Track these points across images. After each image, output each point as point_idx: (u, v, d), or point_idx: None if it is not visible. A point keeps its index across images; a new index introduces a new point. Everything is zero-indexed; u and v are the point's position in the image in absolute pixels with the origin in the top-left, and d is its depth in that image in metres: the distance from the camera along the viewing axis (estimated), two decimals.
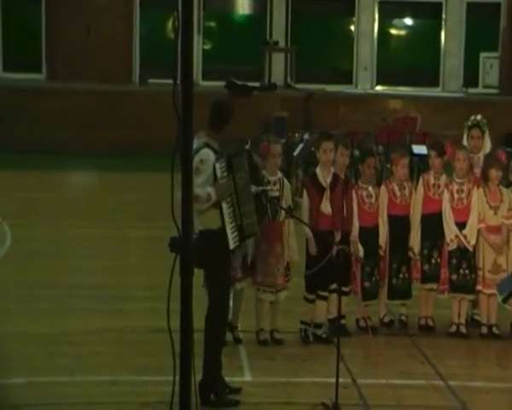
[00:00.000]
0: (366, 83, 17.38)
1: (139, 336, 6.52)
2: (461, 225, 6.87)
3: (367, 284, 6.88)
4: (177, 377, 3.27)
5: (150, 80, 15.89)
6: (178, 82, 3.37)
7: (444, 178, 7.04)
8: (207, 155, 5.41)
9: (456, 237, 6.85)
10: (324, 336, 6.64)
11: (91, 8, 16.28)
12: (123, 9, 16.55)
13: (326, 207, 6.59)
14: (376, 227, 6.93)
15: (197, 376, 4.99)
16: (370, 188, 6.97)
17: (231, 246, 5.51)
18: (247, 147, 5.82)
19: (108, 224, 10.12)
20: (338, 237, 6.55)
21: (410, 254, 6.94)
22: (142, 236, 9.69)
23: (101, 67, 15.81)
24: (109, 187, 12.41)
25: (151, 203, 9.77)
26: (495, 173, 6.88)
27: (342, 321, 6.47)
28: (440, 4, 17.51)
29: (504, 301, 5.36)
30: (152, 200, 9.28)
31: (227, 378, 5.62)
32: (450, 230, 6.87)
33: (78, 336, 6.52)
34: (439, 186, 7.02)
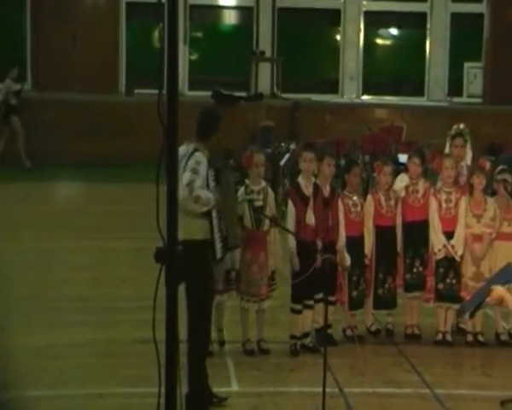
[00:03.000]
0: (352, 92, 17.45)
1: (126, 348, 6.49)
2: (448, 235, 6.91)
3: (354, 294, 6.89)
4: (163, 389, 3.27)
5: (136, 91, 15.88)
6: (164, 92, 3.38)
7: (422, 183, 7.08)
8: (201, 157, 5.47)
9: (444, 246, 6.88)
10: (311, 345, 6.65)
11: (77, 18, 16.27)
12: (109, 19, 16.54)
13: (310, 217, 6.61)
14: (362, 236, 6.95)
15: (184, 387, 5.01)
16: (356, 197, 7.00)
17: (218, 256, 5.54)
18: (231, 161, 5.86)
19: (94, 235, 10.08)
20: (319, 246, 6.56)
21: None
22: (128, 247, 9.67)
23: (87, 77, 15.78)
24: (95, 198, 12.37)
25: (137, 214, 9.75)
26: (478, 180, 6.94)
27: (329, 331, 6.49)
28: (425, 14, 17.62)
29: (471, 315, 5.44)
30: (138, 211, 9.27)
31: (214, 389, 5.61)
32: (438, 239, 6.90)
33: (65, 348, 6.48)
34: (417, 192, 7.06)
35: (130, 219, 10.64)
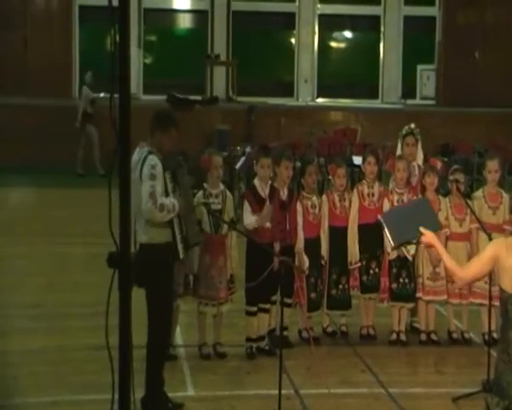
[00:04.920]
0: (307, 95, 17.55)
1: (79, 355, 6.42)
2: None
3: (312, 296, 6.93)
4: (117, 395, 3.24)
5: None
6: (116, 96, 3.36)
7: (377, 186, 7.16)
8: (155, 160, 5.40)
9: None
10: (267, 348, 6.67)
11: (29, 23, 16.08)
12: (62, 23, 16.38)
13: None
14: (319, 238, 7.00)
15: (138, 392, 4.97)
16: (314, 198, 7.04)
17: (181, 256, 5.54)
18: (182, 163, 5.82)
19: (47, 241, 9.96)
20: (277, 248, 6.59)
21: (350, 266, 7.02)
22: (81, 252, 9.58)
23: (40, 81, 15.60)
24: (48, 203, 12.22)
25: (90, 219, 9.67)
26: (429, 180, 7.04)
27: (285, 333, 6.51)
28: (378, 17, 17.81)
29: (394, 248, 5.44)
30: (91, 215, 9.19)
31: (169, 394, 5.58)
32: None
33: (17, 356, 6.38)
34: (373, 195, 7.13)
35: (83, 223, 10.53)
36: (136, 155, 5.35)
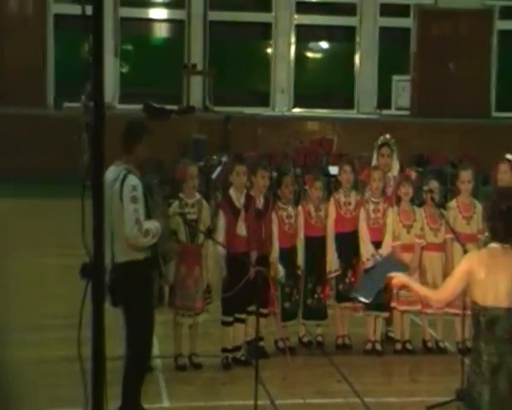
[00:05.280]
0: (283, 105, 17.60)
1: (53, 367, 6.36)
2: (377, 244, 7.02)
3: (287, 305, 6.94)
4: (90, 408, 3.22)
5: (65, 104, 15.67)
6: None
7: (354, 195, 7.20)
8: (135, 180, 5.26)
9: (373, 255, 6.99)
10: (243, 358, 6.66)
11: (4, 31, 15.97)
12: (36, 32, 16.29)
13: (241, 228, 6.63)
14: (295, 248, 7.01)
15: (111, 405, 4.93)
16: (290, 208, 7.05)
17: (163, 271, 5.53)
18: (155, 180, 5.74)
19: (20, 251, 9.86)
20: (254, 257, 6.60)
21: (328, 275, 7.04)
22: (55, 263, 9.50)
23: (15, 90, 15.49)
24: (23, 214, 12.11)
25: (64, 230, 9.59)
26: (404, 190, 7.09)
27: (261, 343, 6.50)
28: (354, 28, 17.92)
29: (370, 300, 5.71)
30: (65, 226, 9.11)
31: (145, 405, 5.55)
32: (366, 249, 7.00)
33: None
34: (350, 203, 7.16)
35: (56, 234, 10.45)
36: (113, 174, 5.23)
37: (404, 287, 4.31)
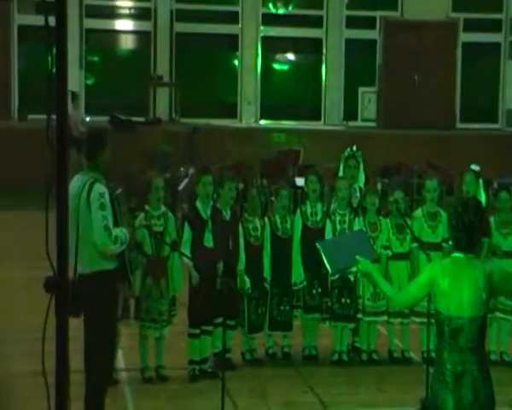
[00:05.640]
0: (250, 117, 17.64)
1: (17, 381, 6.27)
2: None
3: (253, 317, 6.93)
4: None
5: (30, 116, 15.53)
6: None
7: (320, 206, 7.23)
8: (102, 188, 5.24)
9: None
10: (210, 370, 6.63)
11: None
12: (0, 43, 16.14)
13: (208, 240, 6.62)
14: (262, 260, 7.00)
15: None
16: (256, 220, 7.06)
17: (132, 281, 5.49)
18: (119, 191, 5.68)
19: None
20: (220, 269, 6.59)
21: (294, 286, 7.05)
22: (19, 276, 9.38)
23: None
24: None
25: (27, 243, 9.48)
26: (370, 200, 7.14)
27: (228, 355, 6.49)
28: (320, 40, 18.03)
29: (334, 274, 5.62)
30: (28, 239, 9.01)
31: None
32: None
33: None
34: (316, 214, 7.19)
35: (20, 247, 10.32)
36: (79, 183, 5.21)
37: (367, 275, 4.25)
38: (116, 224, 5.28)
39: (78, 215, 5.05)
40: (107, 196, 5.21)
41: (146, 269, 6.42)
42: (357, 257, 4.19)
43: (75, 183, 5.13)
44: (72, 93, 14.30)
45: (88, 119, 14.83)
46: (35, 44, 16.34)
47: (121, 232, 5.23)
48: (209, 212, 6.66)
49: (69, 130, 12.79)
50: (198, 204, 6.72)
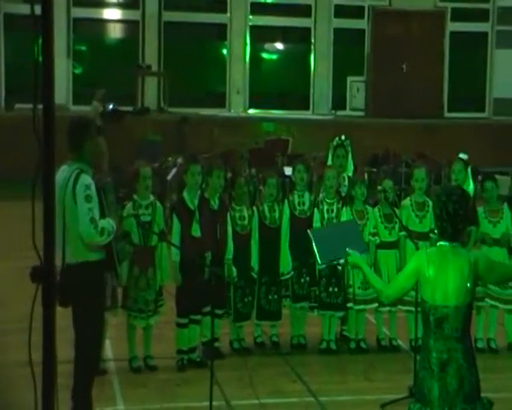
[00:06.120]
0: (239, 106, 17.61)
1: (5, 372, 6.26)
2: None
3: (239, 306, 6.94)
4: None
5: (17, 105, 15.46)
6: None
7: (308, 196, 7.24)
8: (88, 179, 5.18)
9: None
10: (198, 359, 6.64)
11: None
12: None
13: (196, 230, 6.62)
14: (249, 249, 7.01)
15: (65, 409, 4.87)
16: (244, 209, 7.06)
17: (119, 271, 5.46)
18: (108, 179, 5.65)
19: None
20: (208, 258, 6.59)
21: (282, 276, 7.06)
22: (6, 267, 9.35)
23: None
24: None
25: (15, 233, 9.45)
26: (359, 190, 7.15)
27: (216, 344, 6.51)
28: (309, 29, 18.01)
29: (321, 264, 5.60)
30: (16, 229, 8.98)
31: (99, 409, 5.49)
32: None
33: None
34: (304, 204, 7.20)
35: (8, 237, 10.29)
36: (66, 173, 5.17)
37: (357, 268, 4.28)
38: (103, 215, 5.25)
39: (64, 207, 5.03)
40: (93, 188, 5.17)
41: (133, 258, 6.40)
42: (348, 250, 4.21)
43: (61, 174, 5.09)
44: (102, 90, 14.58)
45: (111, 106, 14.87)
46: (22, 33, 16.24)
47: (108, 223, 5.20)
48: (196, 202, 6.66)
49: (93, 119, 12.44)
50: (185, 194, 6.72)
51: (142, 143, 14.41)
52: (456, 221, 4.01)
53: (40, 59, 3.23)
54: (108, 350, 6.77)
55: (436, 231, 4.31)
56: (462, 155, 7.42)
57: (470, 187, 7.20)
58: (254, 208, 7.17)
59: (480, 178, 10.10)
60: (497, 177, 7.89)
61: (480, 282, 4.14)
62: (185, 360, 6.60)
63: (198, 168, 6.69)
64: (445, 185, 6.07)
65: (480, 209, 7.27)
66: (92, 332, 5.28)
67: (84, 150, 5.27)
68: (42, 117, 3.28)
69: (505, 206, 7.34)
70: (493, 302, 7.15)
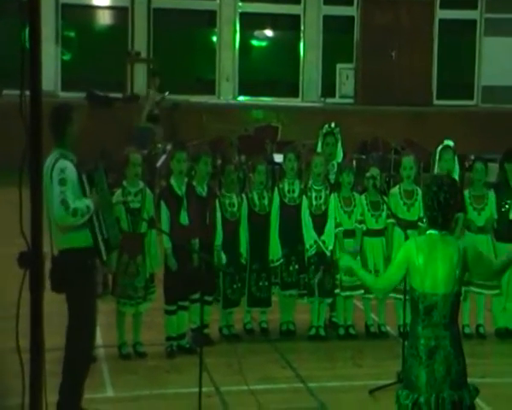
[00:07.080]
0: (228, 93, 17.57)
1: None
2: (319, 231, 7.07)
3: (228, 292, 6.96)
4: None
5: (5, 91, 15.37)
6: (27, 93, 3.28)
7: (297, 183, 7.24)
8: (65, 163, 5.21)
9: (315, 242, 7.05)
10: (188, 346, 6.66)
11: None
12: None
13: (184, 217, 6.62)
14: (238, 236, 7.02)
15: (54, 396, 4.87)
16: (234, 196, 7.06)
17: (104, 258, 5.43)
18: (100, 164, 5.64)
19: None
20: (197, 245, 6.60)
21: (271, 263, 7.08)
22: None
23: None
24: None
25: (4, 220, 9.41)
26: (347, 177, 7.16)
27: (205, 330, 6.52)
28: (298, 16, 17.97)
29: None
30: (7, 215, 8.94)
31: (88, 395, 5.49)
32: (309, 235, 7.06)
33: None
34: (293, 191, 7.21)
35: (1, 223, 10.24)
36: (49, 160, 5.17)
37: (349, 270, 4.33)
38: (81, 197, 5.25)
39: (46, 193, 5.03)
40: (68, 171, 5.17)
41: (122, 245, 6.39)
42: (339, 253, 4.29)
43: (47, 160, 5.12)
44: (153, 70, 14.57)
45: (167, 93, 14.85)
46: (9, 19, 16.13)
47: (82, 204, 5.19)
48: (184, 189, 6.66)
49: (151, 108, 12.48)
50: (172, 181, 6.71)
51: (132, 131, 14.36)
52: (446, 211, 4.02)
53: (27, 45, 3.22)
54: (98, 337, 6.76)
55: (425, 220, 4.33)
56: (449, 143, 7.42)
57: (456, 174, 7.22)
58: (244, 195, 7.18)
59: (466, 165, 10.13)
60: None
61: (466, 273, 4.15)
62: (174, 347, 6.62)
63: (183, 155, 6.68)
64: (436, 175, 6.06)
65: (466, 194, 7.28)
66: (82, 320, 5.28)
67: (65, 136, 5.28)
68: (29, 103, 3.28)
69: (491, 191, 7.36)
70: (479, 290, 7.18)
